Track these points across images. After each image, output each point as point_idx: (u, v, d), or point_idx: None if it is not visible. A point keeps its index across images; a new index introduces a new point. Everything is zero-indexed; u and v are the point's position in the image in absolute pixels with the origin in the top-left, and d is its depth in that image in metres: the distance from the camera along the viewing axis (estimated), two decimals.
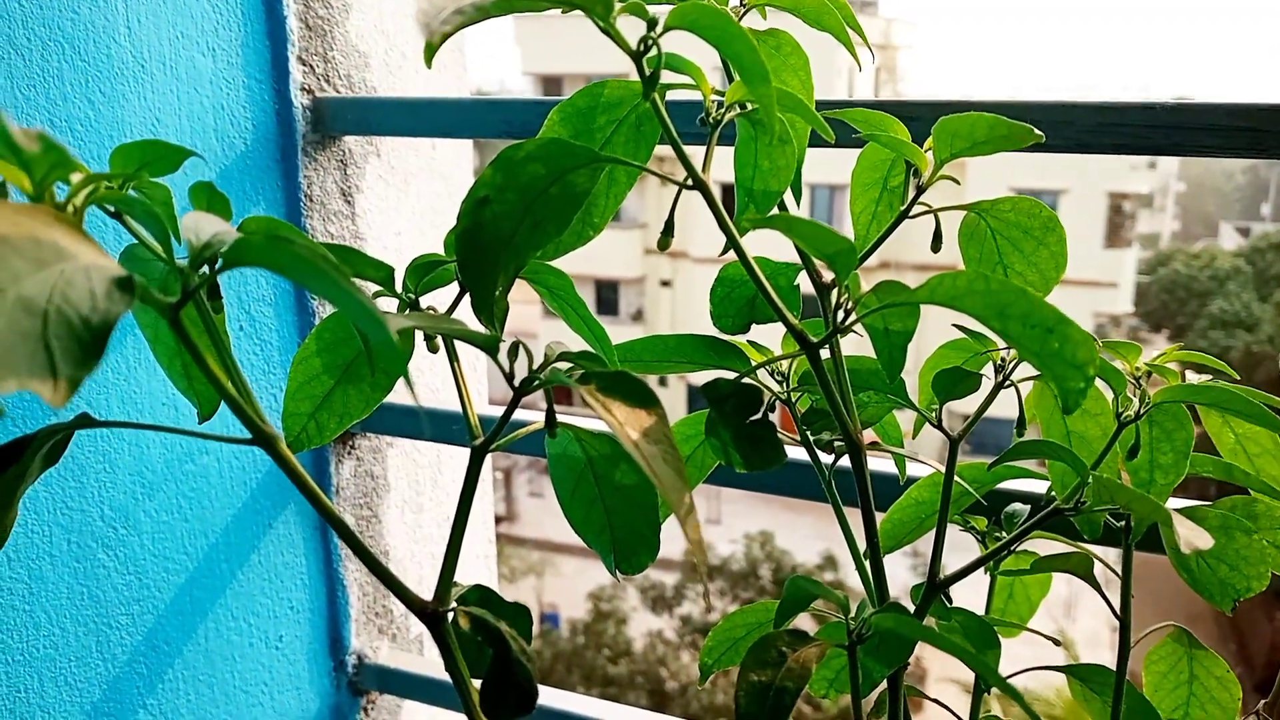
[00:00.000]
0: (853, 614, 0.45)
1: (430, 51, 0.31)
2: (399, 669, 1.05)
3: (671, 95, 0.55)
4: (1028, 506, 0.69)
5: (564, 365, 0.46)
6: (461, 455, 1.14)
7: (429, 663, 1.08)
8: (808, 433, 0.57)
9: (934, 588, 0.54)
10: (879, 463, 0.79)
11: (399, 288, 0.54)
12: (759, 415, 0.47)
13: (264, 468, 0.93)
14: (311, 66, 0.90)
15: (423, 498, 1.11)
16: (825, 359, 0.52)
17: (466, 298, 0.54)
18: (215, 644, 0.91)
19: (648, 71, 0.42)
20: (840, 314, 0.45)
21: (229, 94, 0.85)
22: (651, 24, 0.41)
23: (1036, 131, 0.47)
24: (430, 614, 0.41)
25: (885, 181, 0.62)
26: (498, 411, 0.96)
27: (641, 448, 0.38)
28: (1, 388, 0.24)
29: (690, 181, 0.45)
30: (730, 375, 0.51)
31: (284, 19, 0.87)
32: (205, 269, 0.35)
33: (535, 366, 0.44)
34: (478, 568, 1.22)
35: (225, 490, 0.90)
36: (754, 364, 0.64)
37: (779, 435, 0.49)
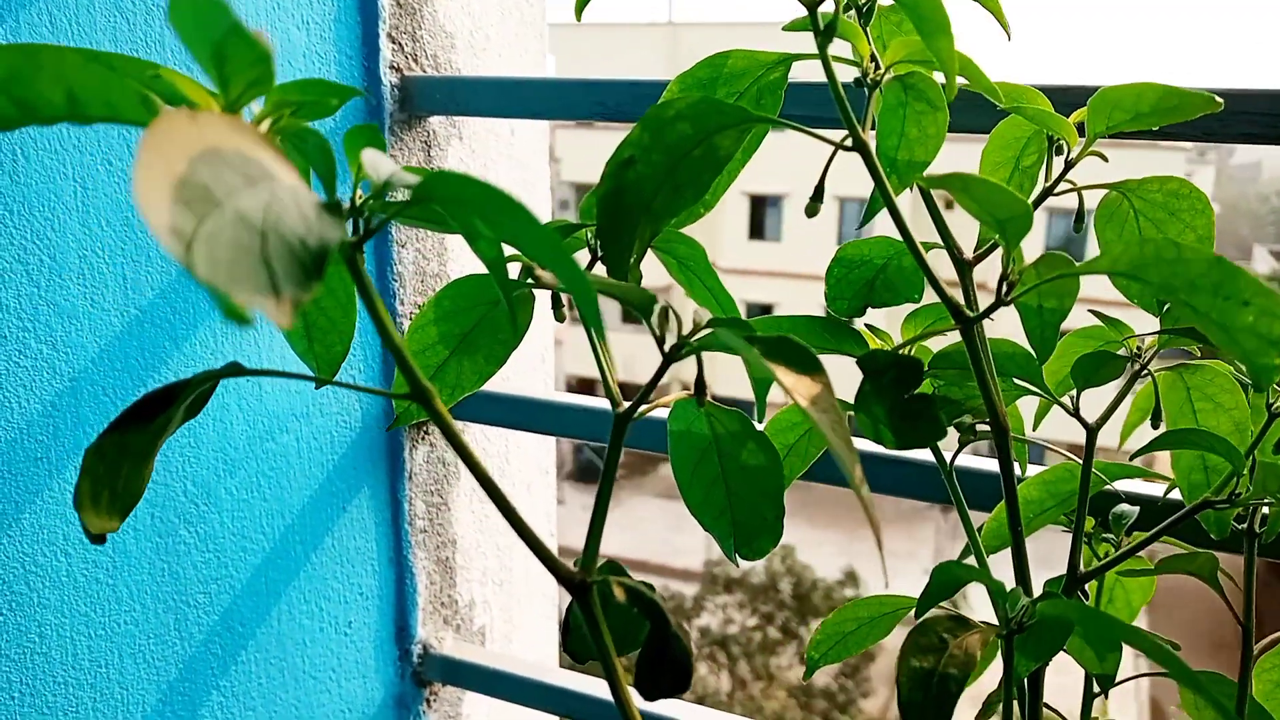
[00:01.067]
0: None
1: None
2: (464, 659, 1.03)
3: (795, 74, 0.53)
4: (1136, 508, 0.67)
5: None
6: (529, 446, 1.12)
7: (493, 654, 1.06)
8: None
9: (1075, 581, 0.51)
10: (971, 460, 0.77)
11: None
12: (916, 390, 0.45)
13: (340, 449, 0.92)
14: (400, 45, 0.89)
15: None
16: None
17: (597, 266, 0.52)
18: (287, 627, 0.90)
19: (822, 24, 0.40)
20: (1004, 287, 0.43)
21: (321, 69, 0.84)
22: None
23: (1217, 99, 0.45)
24: (579, 584, 0.40)
25: (1018, 161, 0.59)
26: (573, 400, 0.95)
27: (813, 415, 0.37)
28: (235, 299, 0.22)
29: (850, 141, 0.43)
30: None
31: None
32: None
33: (685, 332, 0.42)
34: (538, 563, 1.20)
35: (303, 471, 0.88)
36: (871, 349, 0.62)
37: (938, 410, 0.47)
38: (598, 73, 0.89)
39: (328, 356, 0.51)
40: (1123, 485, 0.72)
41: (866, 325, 0.64)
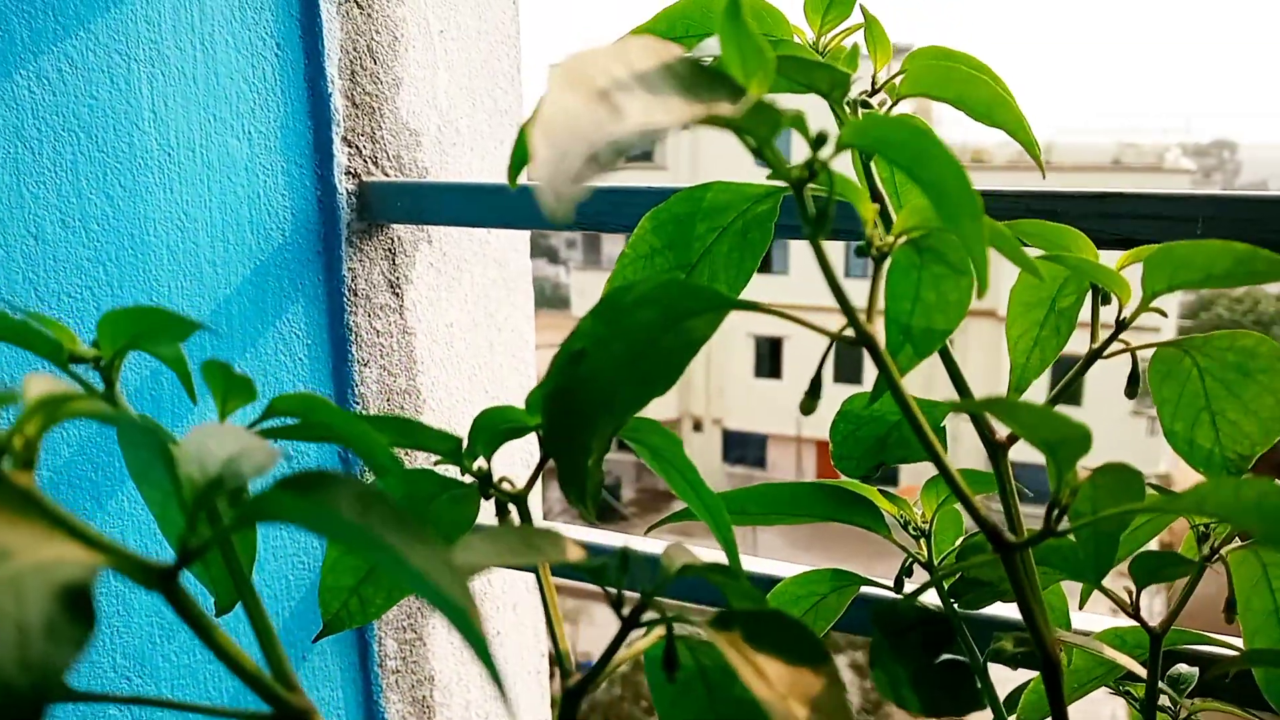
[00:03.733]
0: None
1: (555, 215, 0.21)
2: None
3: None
4: (1195, 669, 0.57)
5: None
6: (507, 572, 1.03)
7: None
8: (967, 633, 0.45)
9: None
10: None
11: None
12: (951, 653, 0.36)
13: (299, 594, 0.83)
14: (358, 148, 0.81)
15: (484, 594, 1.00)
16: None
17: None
18: None
19: (811, 209, 0.31)
20: (1054, 512, 0.34)
21: (266, 181, 0.76)
22: (818, 142, 0.30)
23: None
24: None
25: (1053, 302, 0.51)
26: (580, 533, 0.85)
27: None
28: None
29: (852, 332, 0.35)
30: (888, 588, 0.40)
31: (328, 97, 0.78)
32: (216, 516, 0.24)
33: (648, 589, 0.33)
34: (528, 684, 1.11)
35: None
36: (888, 517, 0.53)
37: (975, 676, 0.37)
38: None
39: (226, 588, 0.42)
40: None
41: (882, 491, 0.55)
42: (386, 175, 0.84)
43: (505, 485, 0.41)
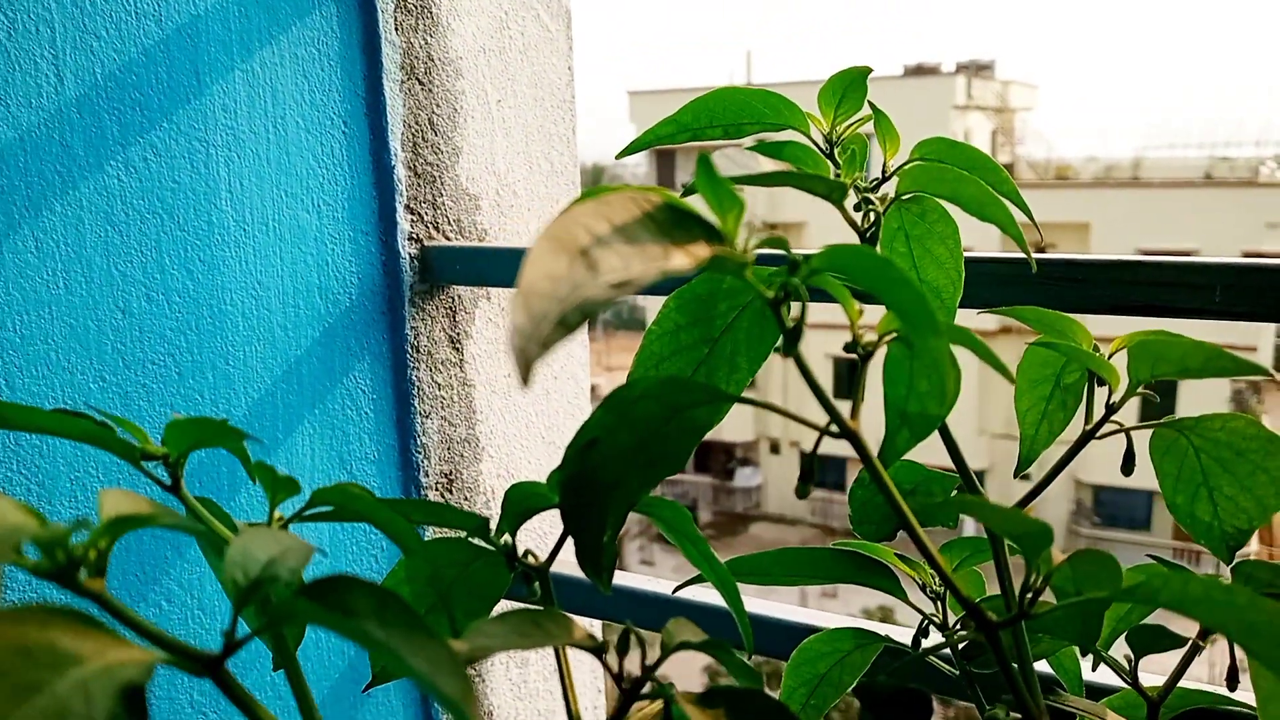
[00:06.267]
0: None
1: (526, 376, 0.24)
2: None
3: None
4: None
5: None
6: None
7: None
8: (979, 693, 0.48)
9: None
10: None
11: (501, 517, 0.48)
12: None
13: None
14: (420, 215, 0.86)
15: (527, 652, 1.04)
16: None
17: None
18: None
19: (788, 323, 0.35)
20: (1030, 596, 0.37)
21: (334, 249, 0.81)
22: (793, 266, 0.34)
23: (1270, 370, 0.38)
24: None
25: (1059, 378, 0.53)
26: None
27: None
28: None
29: (836, 429, 0.38)
30: (877, 629, 0.43)
31: (392, 169, 0.83)
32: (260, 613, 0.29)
33: (650, 663, 0.36)
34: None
35: (318, 665, 0.84)
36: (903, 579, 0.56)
37: None
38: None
39: None
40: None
41: (899, 555, 0.58)
42: (448, 239, 0.89)
43: (530, 559, 0.45)
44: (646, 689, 0.36)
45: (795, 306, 0.36)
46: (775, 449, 18.52)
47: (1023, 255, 0.66)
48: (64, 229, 0.65)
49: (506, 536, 0.45)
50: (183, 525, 0.30)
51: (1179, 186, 17.63)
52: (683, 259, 0.30)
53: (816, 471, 0.41)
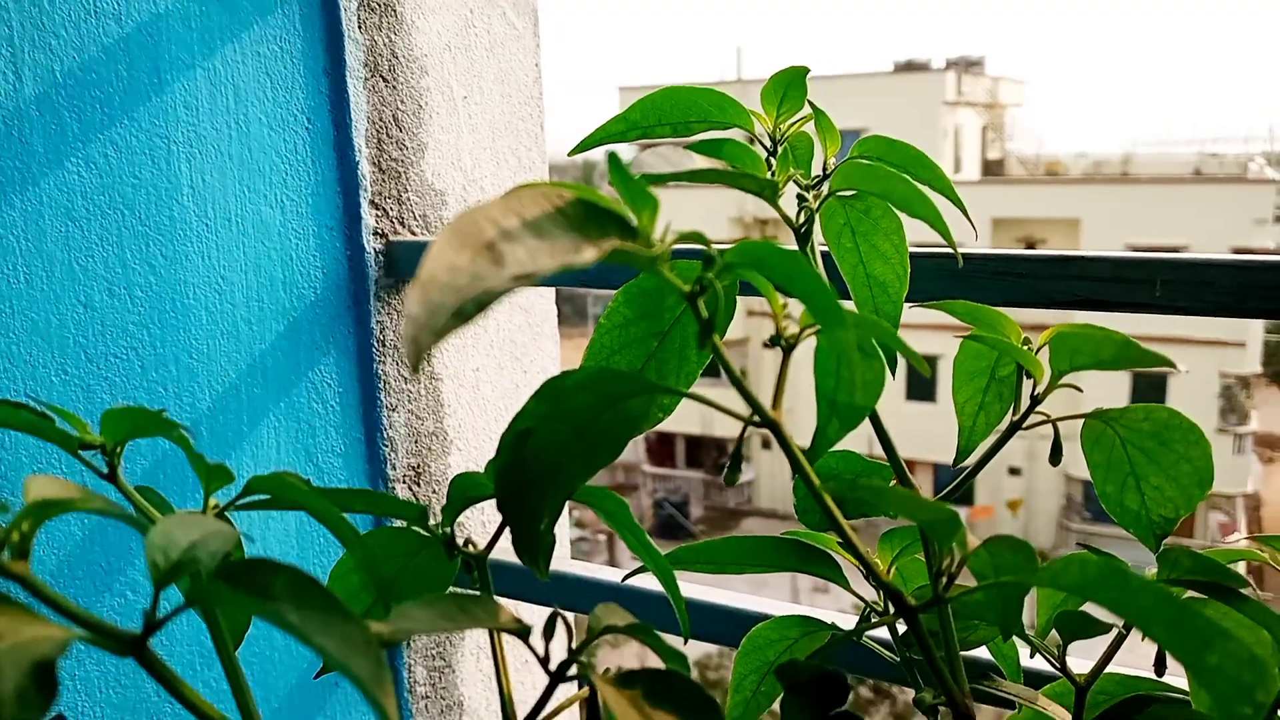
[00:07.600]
0: None
1: (416, 364, 0.26)
2: None
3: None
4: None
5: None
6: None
7: None
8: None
9: None
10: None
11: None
12: (843, 707, 0.40)
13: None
14: (385, 210, 0.87)
15: None
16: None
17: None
18: None
19: (705, 314, 0.36)
20: (944, 580, 0.38)
21: (298, 244, 0.82)
22: (708, 261, 0.35)
23: (1177, 365, 0.39)
24: None
25: (993, 371, 0.54)
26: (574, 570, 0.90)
27: None
28: None
29: (757, 418, 0.39)
30: (814, 620, 0.44)
31: (356, 164, 0.84)
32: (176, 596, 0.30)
33: (575, 645, 0.37)
34: None
35: (285, 656, 0.85)
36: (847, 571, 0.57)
37: None
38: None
39: None
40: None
41: (841, 543, 0.59)
42: (413, 234, 0.90)
43: (470, 548, 0.46)
44: (572, 671, 0.37)
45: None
46: (767, 445, 18.52)
47: (969, 252, 0.68)
48: (24, 224, 0.66)
49: (447, 526, 0.47)
50: (108, 510, 0.31)
51: (1168, 183, 17.70)
52: (592, 252, 0.31)
53: (742, 460, 0.43)
